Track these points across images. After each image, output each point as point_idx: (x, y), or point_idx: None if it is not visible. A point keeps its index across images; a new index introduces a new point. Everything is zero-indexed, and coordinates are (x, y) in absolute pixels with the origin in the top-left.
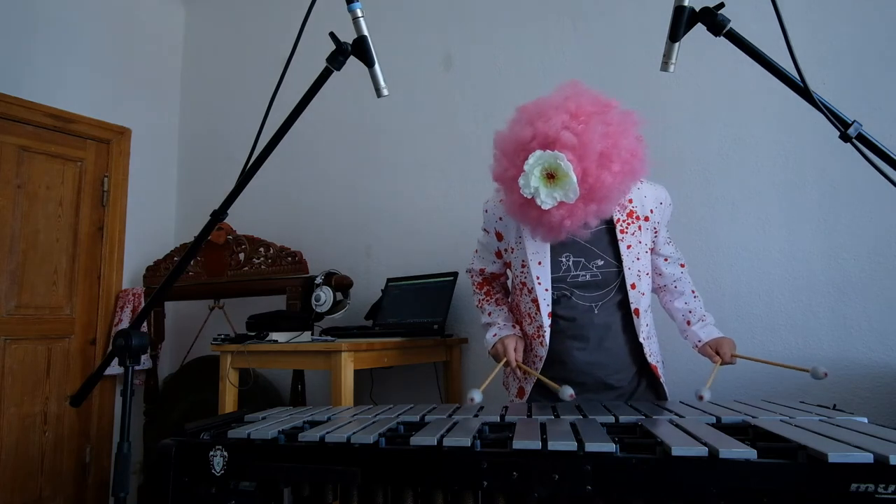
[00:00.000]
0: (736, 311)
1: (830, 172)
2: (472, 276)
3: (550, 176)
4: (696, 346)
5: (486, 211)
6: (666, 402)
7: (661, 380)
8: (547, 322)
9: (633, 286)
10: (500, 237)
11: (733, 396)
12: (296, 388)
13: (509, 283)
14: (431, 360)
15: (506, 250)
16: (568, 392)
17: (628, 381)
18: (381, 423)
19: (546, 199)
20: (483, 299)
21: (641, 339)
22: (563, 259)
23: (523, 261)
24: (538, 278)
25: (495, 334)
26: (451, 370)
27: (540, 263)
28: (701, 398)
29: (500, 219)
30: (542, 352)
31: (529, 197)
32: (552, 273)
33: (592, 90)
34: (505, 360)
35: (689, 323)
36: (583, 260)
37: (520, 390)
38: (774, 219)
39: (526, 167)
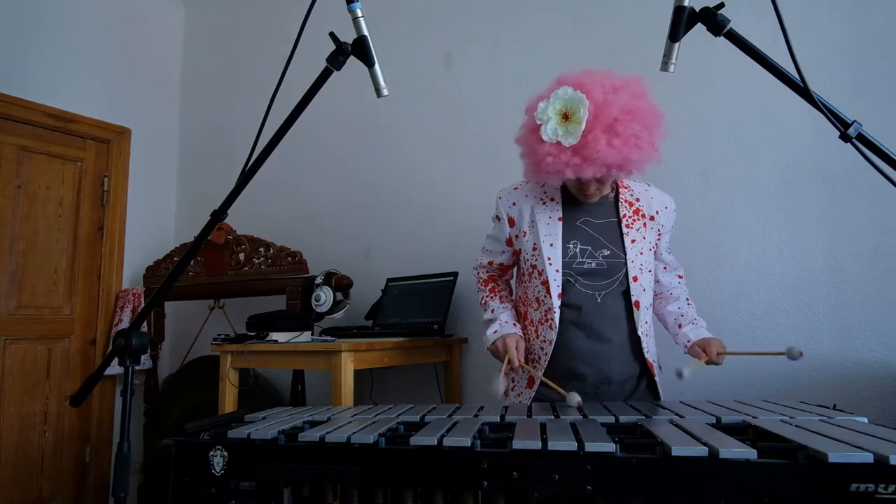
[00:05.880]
0: (736, 311)
1: (830, 172)
2: (477, 273)
3: (566, 116)
4: (686, 347)
5: (500, 198)
6: (666, 402)
7: (657, 379)
8: (557, 304)
9: (634, 279)
10: (511, 223)
11: (733, 396)
12: (296, 388)
13: (517, 272)
14: (431, 360)
15: (517, 236)
16: (575, 399)
17: (629, 375)
18: (381, 423)
19: (549, 132)
20: (487, 296)
21: (640, 333)
22: (571, 245)
23: (535, 244)
24: (549, 259)
25: (496, 331)
26: (451, 370)
27: (552, 245)
28: (680, 375)
29: (514, 204)
30: (552, 335)
31: (539, 123)
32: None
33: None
34: (507, 358)
35: (679, 326)
36: (590, 248)
37: (529, 380)
38: (774, 219)
39: (552, 95)
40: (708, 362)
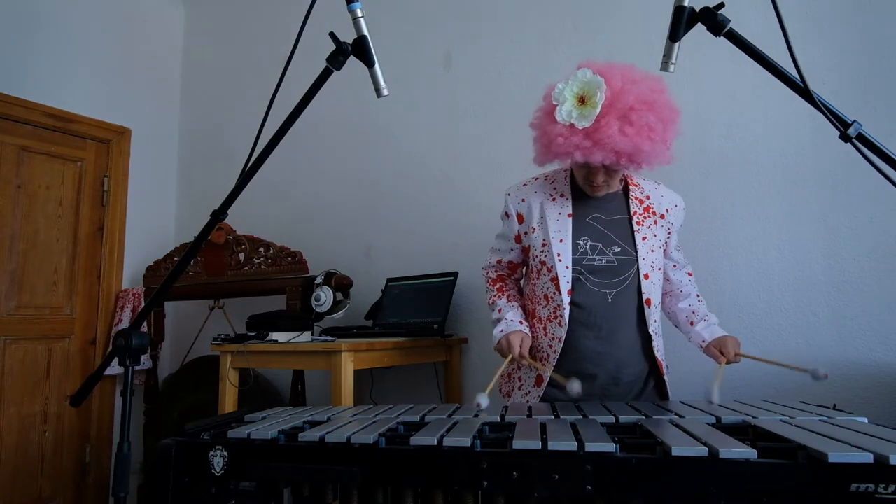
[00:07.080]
0: (736, 311)
1: (830, 172)
2: (486, 273)
3: (582, 100)
4: (701, 347)
5: (509, 194)
6: (666, 402)
7: (665, 377)
8: (567, 300)
9: (646, 276)
10: (521, 219)
11: (733, 396)
12: (296, 388)
13: (525, 270)
14: (431, 360)
15: (526, 233)
16: (576, 388)
17: (637, 376)
18: (381, 423)
19: (563, 113)
20: (495, 295)
21: (651, 331)
22: (581, 242)
23: (544, 240)
24: (559, 255)
25: (502, 330)
26: (451, 370)
27: (561, 241)
28: (711, 402)
29: (523, 200)
30: (561, 332)
31: (555, 104)
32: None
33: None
34: (510, 357)
35: (692, 324)
36: (600, 245)
37: (538, 379)
38: (774, 219)
39: (571, 77)
40: (727, 363)
